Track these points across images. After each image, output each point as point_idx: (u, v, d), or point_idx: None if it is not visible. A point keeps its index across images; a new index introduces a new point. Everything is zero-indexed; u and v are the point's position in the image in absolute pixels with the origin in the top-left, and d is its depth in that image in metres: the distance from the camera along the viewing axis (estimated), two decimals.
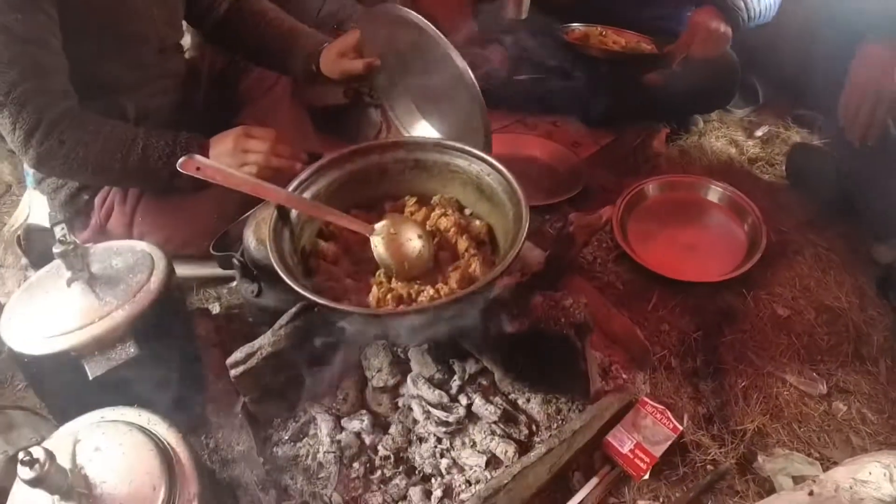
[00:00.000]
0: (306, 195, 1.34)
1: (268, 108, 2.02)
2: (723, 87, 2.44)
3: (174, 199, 1.75)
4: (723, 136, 2.57)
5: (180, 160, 1.27)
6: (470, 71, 1.44)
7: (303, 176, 1.36)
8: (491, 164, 1.33)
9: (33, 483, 0.95)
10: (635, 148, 2.38)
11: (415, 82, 1.70)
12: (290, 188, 1.32)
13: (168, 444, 1.13)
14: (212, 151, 1.54)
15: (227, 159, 1.51)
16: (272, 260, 1.16)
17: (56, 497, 1.00)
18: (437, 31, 1.46)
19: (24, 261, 2.12)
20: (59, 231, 1.36)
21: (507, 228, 1.28)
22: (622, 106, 2.40)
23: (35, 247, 2.08)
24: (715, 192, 2.12)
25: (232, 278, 1.85)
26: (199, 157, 1.28)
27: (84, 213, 1.84)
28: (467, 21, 2.54)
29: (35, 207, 2.20)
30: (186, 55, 2.44)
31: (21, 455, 0.97)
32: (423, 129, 1.74)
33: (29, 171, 2.32)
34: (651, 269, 1.84)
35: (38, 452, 0.97)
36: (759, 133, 2.58)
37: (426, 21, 1.47)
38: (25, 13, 1.43)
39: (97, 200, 1.80)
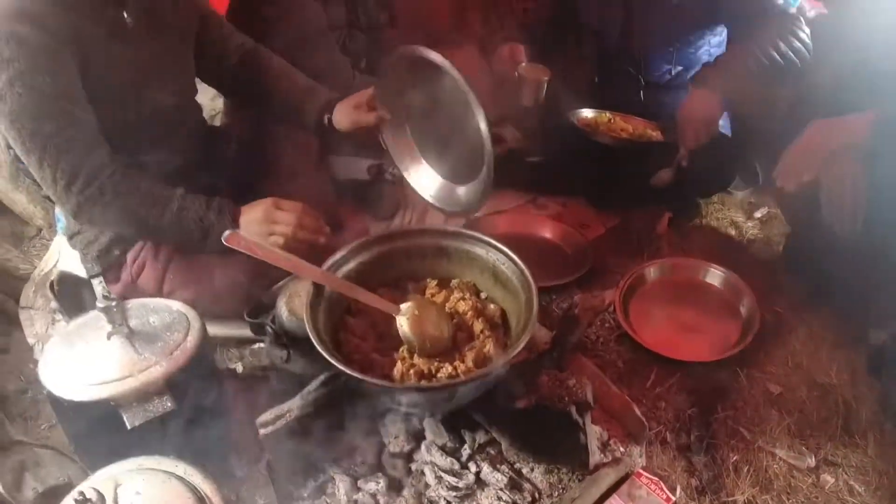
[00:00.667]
0: (339, 274, 1.52)
1: (294, 175, 2.15)
2: (722, 174, 2.62)
3: (204, 258, 1.87)
4: (724, 217, 2.73)
5: (225, 234, 1.45)
6: (485, 118, 1.61)
7: (336, 257, 1.54)
8: (506, 254, 1.52)
9: None
10: (639, 231, 2.53)
11: (422, 123, 1.90)
12: (325, 267, 1.49)
13: (205, 494, 1.23)
14: (242, 219, 1.70)
15: (256, 227, 1.67)
16: (309, 332, 1.32)
17: None
18: (460, 74, 1.64)
19: (53, 304, 2.26)
20: (97, 285, 1.51)
21: (519, 313, 1.45)
22: (628, 190, 2.56)
23: (67, 294, 2.21)
24: (713, 275, 2.25)
25: (255, 341, 1.96)
26: (242, 233, 1.46)
27: (116, 267, 1.96)
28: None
29: (65, 254, 2.34)
30: (218, 121, 2.66)
31: (75, 495, 1.09)
32: (424, 171, 1.94)
33: (60, 217, 2.48)
34: (650, 348, 1.97)
35: (90, 493, 1.09)
36: (758, 214, 2.73)
37: (450, 63, 1.66)
38: (53, 75, 1.61)
39: (129, 256, 1.93)
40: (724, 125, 2.68)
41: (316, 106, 2.02)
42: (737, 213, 2.77)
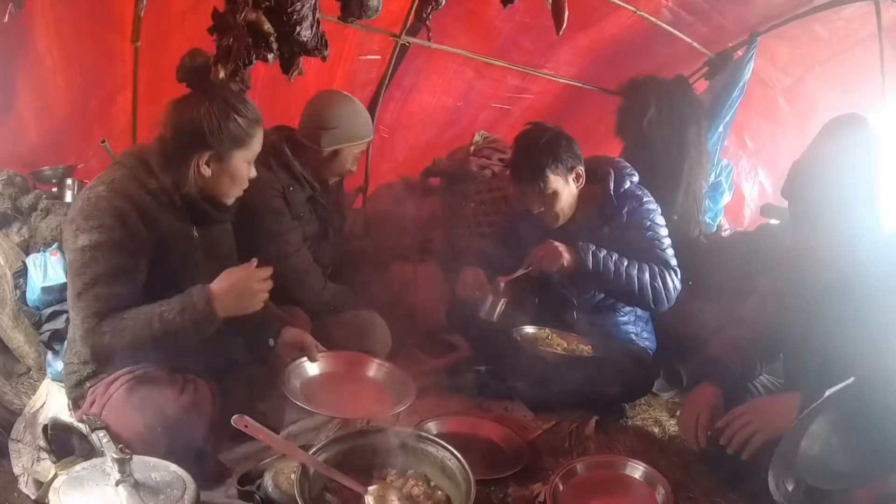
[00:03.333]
0: (320, 458, 2.06)
1: None
2: (640, 383, 3.19)
3: (136, 401, 2.28)
4: (648, 416, 3.20)
5: (234, 417, 1.99)
6: None
7: (318, 445, 2.09)
8: (452, 452, 2.10)
9: None
10: (570, 433, 2.97)
11: None
12: (311, 452, 2.04)
13: None
14: (220, 287, 2.26)
15: (241, 286, 2.29)
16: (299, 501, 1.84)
17: None
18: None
19: (41, 443, 2.56)
20: (103, 437, 2.01)
21: (460, 498, 2.01)
22: (562, 397, 3.06)
23: (57, 438, 2.54)
24: (632, 468, 2.56)
25: None
26: (247, 419, 2.00)
27: (80, 399, 2.44)
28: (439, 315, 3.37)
29: (52, 398, 2.76)
30: None
31: None
32: None
33: (51, 363, 2.96)
34: None
35: None
36: (679, 414, 2.98)
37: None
38: (128, 254, 2.24)
39: (89, 392, 2.40)
40: (648, 337, 3.32)
41: (268, 334, 2.65)
42: (661, 413, 3.25)
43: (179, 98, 2.34)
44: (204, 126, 2.27)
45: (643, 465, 2.57)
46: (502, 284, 3.05)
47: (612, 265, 2.97)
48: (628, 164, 3.30)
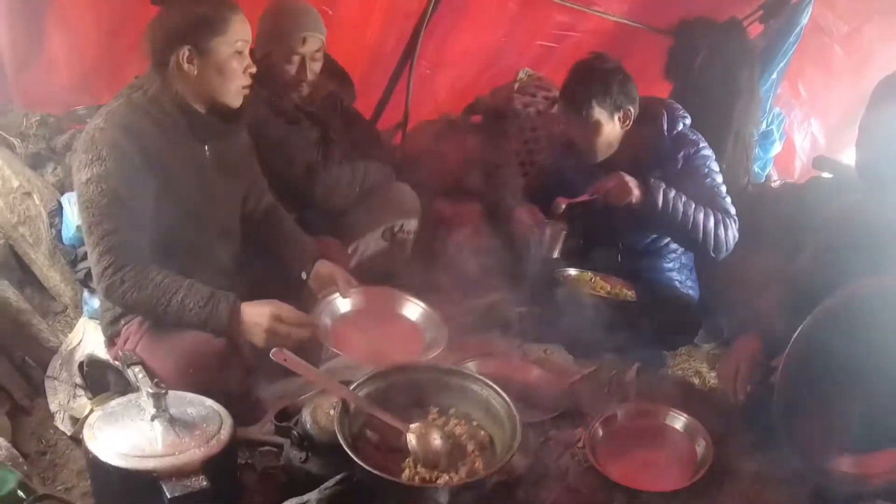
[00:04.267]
0: (361, 393, 2.02)
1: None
2: (683, 331, 3.16)
3: (169, 341, 2.28)
4: (689, 367, 3.20)
5: (273, 351, 1.96)
6: None
7: (359, 381, 2.04)
8: (497, 391, 2.04)
9: None
10: (611, 378, 2.96)
11: None
12: (352, 388, 1.99)
13: None
14: (244, 316, 2.18)
15: (257, 330, 2.16)
16: (341, 441, 1.81)
17: None
18: None
19: (77, 380, 2.64)
20: (138, 373, 2.00)
21: (504, 439, 1.97)
22: (603, 342, 2.97)
23: (93, 375, 2.64)
24: (673, 418, 2.55)
25: (264, 444, 2.37)
26: (287, 352, 1.96)
27: (115, 336, 2.45)
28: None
29: (89, 336, 2.78)
30: None
31: None
32: None
33: (87, 300, 2.98)
34: (613, 479, 2.26)
35: None
36: (718, 366, 3.04)
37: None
38: (131, 185, 2.20)
39: (123, 330, 2.41)
40: (692, 286, 3.26)
41: (300, 263, 2.65)
42: (701, 364, 3.24)
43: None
44: (173, 21, 2.23)
45: (685, 415, 2.54)
46: (561, 224, 3.04)
47: (681, 206, 2.89)
48: (680, 107, 3.21)
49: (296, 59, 3.03)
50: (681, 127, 3.11)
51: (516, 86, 4.26)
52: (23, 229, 3.26)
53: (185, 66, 2.25)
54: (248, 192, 2.70)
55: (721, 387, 2.68)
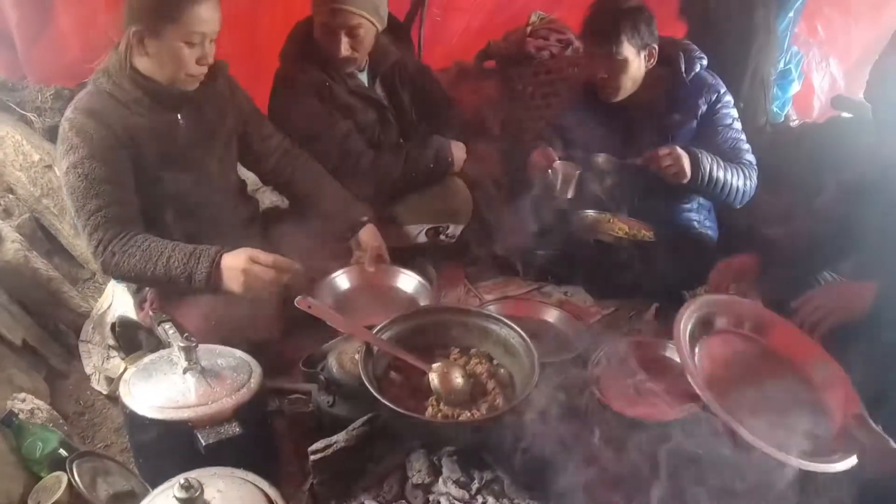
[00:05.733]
0: (384, 337, 2.08)
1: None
2: (702, 271, 3.07)
3: (185, 302, 2.36)
4: None
5: (297, 298, 2.03)
6: None
7: (381, 325, 2.10)
8: (516, 331, 2.10)
9: (186, 502, 1.48)
10: (629, 319, 3.03)
11: None
12: (374, 331, 2.05)
13: (273, 497, 1.65)
14: (224, 265, 2.21)
15: (235, 275, 2.18)
16: (366, 382, 1.87)
17: None
18: None
19: (109, 342, 2.72)
20: (170, 329, 2.06)
21: (523, 378, 2.02)
22: (622, 282, 3.07)
23: (124, 335, 2.70)
24: (672, 350, 2.51)
25: (293, 392, 2.44)
26: (310, 300, 2.03)
27: (143, 301, 2.54)
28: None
29: (118, 299, 2.85)
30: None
31: (181, 481, 1.49)
32: None
33: None
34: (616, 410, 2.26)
35: (194, 482, 1.50)
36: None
37: None
38: (106, 163, 2.26)
39: (149, 294, 2.50)
40: (710, 225, 3.27)
41: (345, 222, 2.73)
42: None
43: None
44: (133, 1, 2.27)
45: None
46: (574, 165, 3.04)
47: (718, 175, 2.89)
48: (696, 48, 3.18)
49: (337, 34, 2.90)
50: (698, 69, 3.09)
51: (529, 29, 4.22)
52: (47, 201, 3.34)
53: (136, 45, 2.29)
54: (246, 142, 2.75)
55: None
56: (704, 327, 2.17)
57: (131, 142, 2.32)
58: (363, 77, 3.18)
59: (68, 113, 2.33)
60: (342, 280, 2.74)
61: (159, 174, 2.40)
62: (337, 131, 3.04)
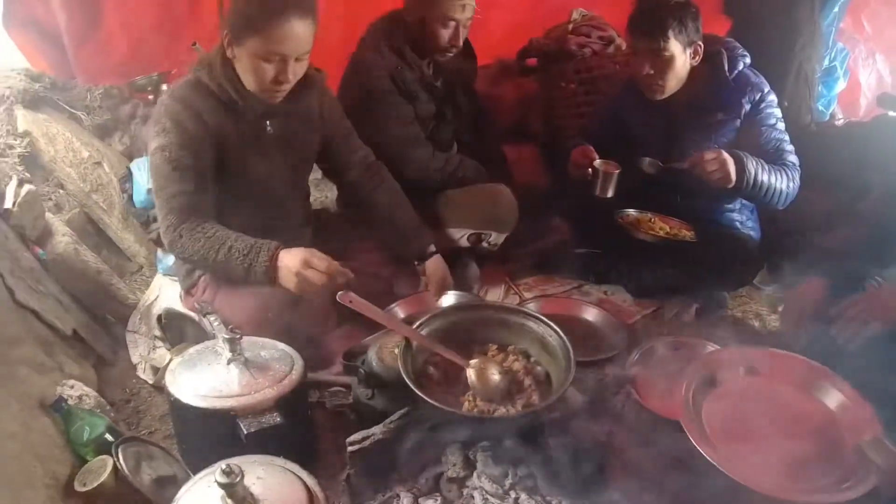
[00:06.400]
0: (423, 332, 2.11)
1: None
2: (743, 272, 3.14)
3: (239, 294, 2.41)
4: (749, 309, 3.18)
5: (339, 294, 2.06)
6: None
7: (421, 320, 2.14)
8: (553, 329, 2.11)
9: (227, 487, 1.48)
10: (670, 320, 3.00)
11: None
12: (414, 327, 2.09)
13: (310, 486, 1.67)
14: (280, 262, 2.24)
15: (289, 275, 2.21)
16: (404, 376, 1.90)
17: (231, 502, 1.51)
18: None
19: (156, 332, 2.79)
20: (214, 321, 2.12)
21: (559, 375, 2.04)
22: (662, 282, 3.06)
23: (171, 327, 2.79)
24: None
25: (333, 385, 2.51)
26: (352, 294, 2.06)
27: (192, 286, 2.61)
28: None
29: (165, 291, 2.94)
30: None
31: (223, 467, 1.49)
32: None
33: (162, 258, 3.13)
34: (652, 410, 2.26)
35: (235, 468, 1.49)
36: (781, 308, 2.99)
37: None
38: (192, 154, 2.34)
39: (201, 280, 2.57)
40: (753, 226, 3.23)
41: (415, 250, 2.81)
42: (762, 306, 3.20)
43: None
44: (234, 3, 2.32)
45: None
46: (614, 164, 3.01)
47: (763, 179, 2.83)
48: (739, 45, 3.13)
49: (451, 24, 3.02)
50: (741, 66, 3.04)
51: (570, 26, 4.20)
52: (96, 196, 3.43)
53: (227, 49, 2.34)
54: (329, 155, 2.81)
55: (783, 329, 2.66)
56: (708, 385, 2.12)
57: (219, 138, 2.40)
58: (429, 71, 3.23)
59: (165, 98, 2.43)
60: (406, 306, 2.84)
61: (237, 172, 2.48)
62: (402, 112, 3.12)
